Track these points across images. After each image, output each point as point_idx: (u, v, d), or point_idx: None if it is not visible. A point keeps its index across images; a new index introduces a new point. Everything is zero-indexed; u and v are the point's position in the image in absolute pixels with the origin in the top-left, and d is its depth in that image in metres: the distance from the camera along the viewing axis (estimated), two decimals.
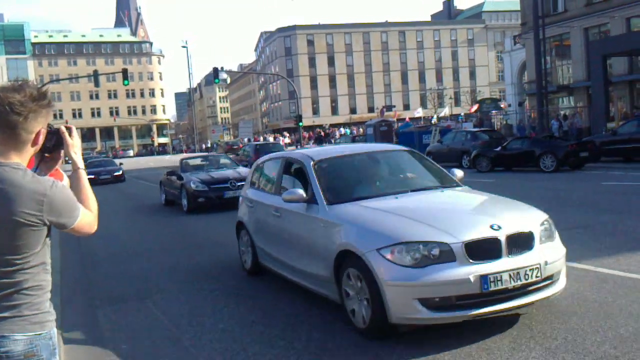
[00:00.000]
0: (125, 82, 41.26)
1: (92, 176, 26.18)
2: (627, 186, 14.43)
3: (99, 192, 12.69)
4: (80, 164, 2.53)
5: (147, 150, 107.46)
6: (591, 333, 4.70)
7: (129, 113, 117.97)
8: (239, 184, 14.43)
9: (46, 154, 2.49)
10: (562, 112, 35.80)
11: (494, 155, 21.82)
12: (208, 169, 16.83)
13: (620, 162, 20.36)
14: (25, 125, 2.27)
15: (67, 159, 2.54)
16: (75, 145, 2.52)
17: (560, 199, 13.07)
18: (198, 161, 18.71)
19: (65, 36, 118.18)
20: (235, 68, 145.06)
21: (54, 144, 2.47)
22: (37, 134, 2.33)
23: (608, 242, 8.02)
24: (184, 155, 53.46)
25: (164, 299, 6.90)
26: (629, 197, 12.61)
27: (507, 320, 5.13)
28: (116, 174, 29.48)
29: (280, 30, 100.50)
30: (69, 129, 2.53)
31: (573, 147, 19.86)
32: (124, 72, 41.28)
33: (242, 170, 16.18)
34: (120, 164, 31.62)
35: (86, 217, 2.40)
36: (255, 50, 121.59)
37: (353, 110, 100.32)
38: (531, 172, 20.08)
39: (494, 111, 43.19)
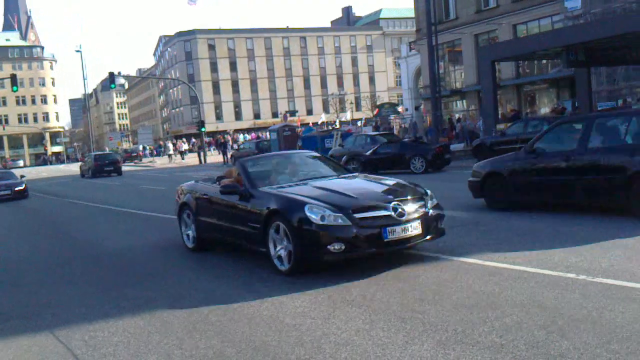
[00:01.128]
0: (15, 88, 39.14)
1: None
2: None
3: None
4: None
5: (41, 159, 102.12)
6: (479, 324, 4.92)
7: (20, 121, 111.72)
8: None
9: None
10: (457, 115, 37.44)
11: (364, 159, 22.43)
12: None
13: None
14: None
15: None
16: None
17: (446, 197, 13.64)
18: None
19: None
20: (133, 73, 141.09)
21: None
22: None
23: (496, 238, 8.46)
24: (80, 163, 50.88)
25: (53, 314, 6.58)
26: None
27: (400, 316, 5.29)
28: (17, 188, 25.31)
29: (180, 34, 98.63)
30: None
31: (440, 150, 21.22)
32: (13, 77, 39.19)
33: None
34: (22, 176, 27.32)
35: None
36: (154, 54, 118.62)
37: (257, 116, 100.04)
38: (401, 173, 20.69)
39: (392, 115, 44.47)
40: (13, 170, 34.39)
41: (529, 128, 21.47)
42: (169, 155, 56.28)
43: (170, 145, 59.35)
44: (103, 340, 5.51)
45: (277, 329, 5.30)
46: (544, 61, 33.66)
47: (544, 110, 34.10)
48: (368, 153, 22.83)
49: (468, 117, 34.53)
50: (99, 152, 50.10)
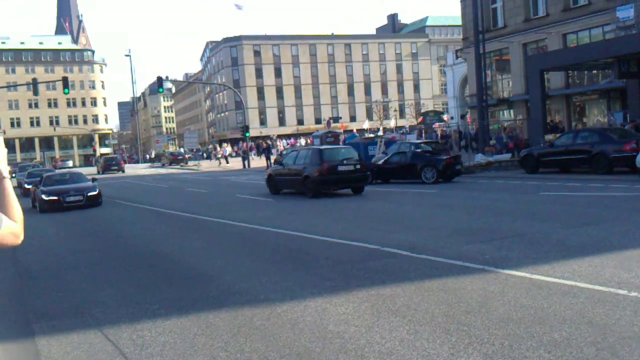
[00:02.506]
0: (66, 90, 40.34)
1: (54, 197, 20.10)
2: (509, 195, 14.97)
3: (61, 229, 12.18)
4: (5, 172, 2.43)
5: (90, 160, 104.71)
6: (527, 338, 4.84)
7: (70, 122, 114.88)
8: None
9: None
10: (504, 125, 36.89)
11: (376, 168, 22.64)
12: None
13: (556, 173, 21.09)
14: None
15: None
16: (0, 152, 2.44)
17: (484, 208, 13.45)
18: None
19: (3, 43, 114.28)
20: (180, 77, 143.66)
21: None
22: None
23: (542, 250, 8.30)
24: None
25: (102, 312, 6.74)
26: (550, 206, 13.08)
27: (445, 327, 5.24)
28: (91, 193, 20.74)
29: (226, 40, 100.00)
30: None
31: (450, 161, 21.16)
32: (65, 80, 40.37)
33: None
34: (94, 179, 22.73)
35: (10, 228, 2.30)
36: (201, 59, 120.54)
37: (300, 122, 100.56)
38: (412, 183, 21.21)
39: (437, 123, 44.07)
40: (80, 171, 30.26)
41: (578, 139, 20.98)
42: (219, 159, 57.23)
43: (219, 149, 60.36)
44: (150, 339, 5.62)
45: (321, 336, 5.31)
46: (594, 71, 32.90)
47: (594, 121, 33.29)
48: (380, 162, 23.01)
49: (516, 127, 33.97)
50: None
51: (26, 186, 28.43)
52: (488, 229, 10.54)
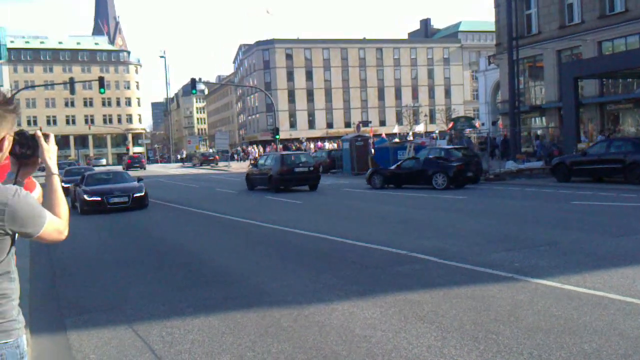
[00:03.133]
0: (102, 90, 41.02)
1: (97, 198, 18.59)
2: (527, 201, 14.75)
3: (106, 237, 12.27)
4: (55, 169, 2.50)
5: (124, 160, 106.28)
6: (556, 349, 4.79)
7: (104, 121, 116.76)
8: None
9: (24, 160, 2.46)
10: (537, 132, 36.50)
11: (388, 173, 23.41)
12: None
13: (589, 182, 20.75)
14: None
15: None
16: (51, 150, 2.50)
17: (517, 215, 13.30)
18: None
19: (42, 42, 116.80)
20: (213, 79, 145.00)
21: (30, 150, 2.45)
22: (2, 140, 2.32)
23: (573, 260, 8.19)
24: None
25: (133, 309, 6.86)
26: (573, 215, 12.89)
27: (473, 335, 5.21)
28: (137, 194, 19.10)
29: (259, 43, 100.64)
30: (46, 135, 2.52)
31: (461, 167, 21.55)
32: (101, 80, 41.05)
33: None
34: (139, 179, 21.05)
35: (54, 224, 2.34)
36: (234, 62, 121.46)
37: (330, 125, 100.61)
38: (423, 189, 21.60)
39: (468, 129, 43.70)
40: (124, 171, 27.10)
41: (612, 148, 20.63)
42: (250, 160, 57.71)
43: (254, 150, 61.35)
44: (179, 337, 5.70)
45: (348, 339, 5.33)
46: (629, 80, 32.30)
47: (632, 130, 32.67)
48: (393, 167, 24.08)
49: (547, 135, 33.53)
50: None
51: (64, 185, 27.49)
52: (518, 237, 10.43)
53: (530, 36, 36.86)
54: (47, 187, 2.47)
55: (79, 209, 18.77)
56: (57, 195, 2.44)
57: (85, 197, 18.65)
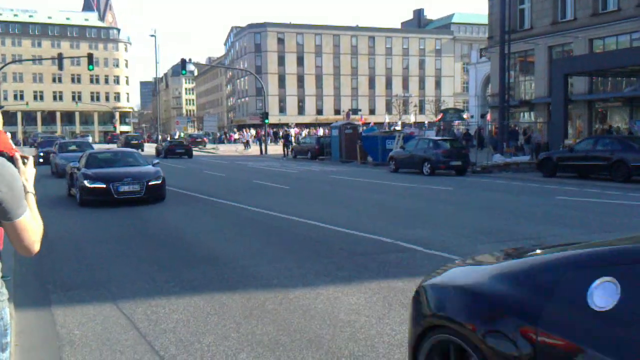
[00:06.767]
0: (90, 67, 40.68)
1: (102, 185, 14.71)
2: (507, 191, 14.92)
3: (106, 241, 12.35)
4: (31, 188, 2.47)
5: (110, 137, 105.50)
6: None
7: (92, 99, 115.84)
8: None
9: None
10: (524, 127, 36.67)
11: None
12: None
13: (574, 178, 20.95)
14: None
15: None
16: (27, 172, 2.49)
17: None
18: None
19: (30, 16, 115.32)
20: (203, 60, 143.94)
21: None
22: None
23: None
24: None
25: (118, 287, 6.87)
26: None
27: None
28: (153, 182, 15.16)
29: (251, 26, 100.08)
30: (24, 158, 2.52)
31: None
32: (90, 56, 40.71)
33: None
34: (156, 162, 17.15)
35: (32, 224, 2.30)
36: (225, 44, 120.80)
37: (319, 111, 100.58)
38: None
39: (456, 121, 43.89)
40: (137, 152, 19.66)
41: (598, 146, 20.81)
42: (245, 143, 57.54)
43: (248, 133, 61.05)
44: (164, 316, 5.73)
45: (332, 324, 5.39)
46: (619, 78, 32.53)
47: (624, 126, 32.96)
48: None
49: (536, 130, 33.73)
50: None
51: (57, 161, 25.03)
52: (503, 229, 10.54)
53: (522, 31, 36.96)
54: None
55: (78, 198, 15.22)
56: (33, 211, 2.38)
57: (86, 183, 14.79)
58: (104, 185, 14.73)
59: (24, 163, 2.51)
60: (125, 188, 14.80)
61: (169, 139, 60.73)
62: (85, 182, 14.80)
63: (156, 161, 17.28)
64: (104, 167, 16.01)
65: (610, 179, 19.62)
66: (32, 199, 2.44)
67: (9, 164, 2.27)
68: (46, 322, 5.70)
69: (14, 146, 2.14)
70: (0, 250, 2.37)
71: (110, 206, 14.48)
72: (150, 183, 15.07)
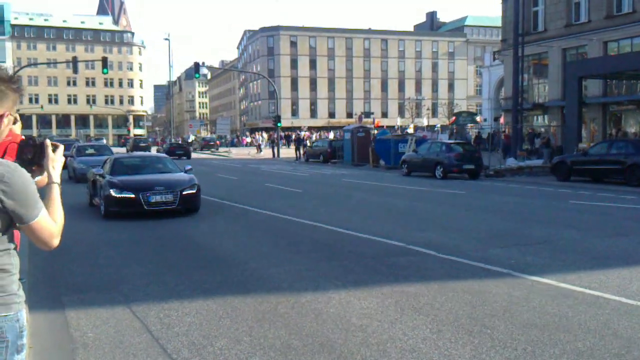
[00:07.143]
0: (105, 70, 40.92)
1: (131, 195, 12.94)
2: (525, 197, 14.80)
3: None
4: (57, 179, 2.49)
5: (123, 140, 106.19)
6: (550, 345, 4.83)
7: (106, 102, 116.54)
8: None
9: (32, 167, 2.48)
10: (540, 130, 36.49)
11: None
12: None
13: (588, 182, 20.77)
14: None
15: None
16: (56, 160, 2.51)
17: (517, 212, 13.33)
18: None
19: (46, 20, 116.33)
20: (216, 64, 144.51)
21: (34, 156, 2.48)
22: (0, 117, 2.33)
23: (570, 258, 8.22)
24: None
25: (131, 290, 6.90)
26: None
27: (468, 329, 5.26)
28: (187, 192, 13.46)
29: (263, 29, 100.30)
30: (55, 146, 2.53)
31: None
32: (104, 60, 40.92)
33: None
34: (188, 169, 14.95)
35: (48, 222, 2.33)
36: (238, 47, 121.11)
37: (332, 115, 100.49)
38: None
39: (469, 124, 43.71)
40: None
41: (613, 149, 20.62)
42: (257, 146, 57.64)
43: (260, 137, 60.94)
44: (177, 319, 5.75)
45: (344, 328, 5.38)
46: (633, 81, 32.25)
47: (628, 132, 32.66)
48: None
49: (550, 133, 33.51)
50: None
51: (75, 165, 23.52)
52: (516, 233, 10.48)
53: (536, 33, 36.74)
54: (46, 195, 2.45)
55: (103, 210, 13.42)
56: (55, 203, 2.42)
57: (113, 192, 13.07)
58: (133, 195, 12.97)
59: (53, 151, 2.52)
60: (157, 198, 13.07)
61: (172, 140, 62.20)
62: (112, 192, 13.06)
63: (189, 167, 15.21)
64: (132, 174, 14.29)
65: (624, 183, 19.45)
66: (56, 189, 2.47)
67: (21, 169, 2.28)
68: (60, 325, 5.74)
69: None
70: (17, 250, 2.38)
71: (140, 218, 12.88)
72: (184, 192, 13.37)
